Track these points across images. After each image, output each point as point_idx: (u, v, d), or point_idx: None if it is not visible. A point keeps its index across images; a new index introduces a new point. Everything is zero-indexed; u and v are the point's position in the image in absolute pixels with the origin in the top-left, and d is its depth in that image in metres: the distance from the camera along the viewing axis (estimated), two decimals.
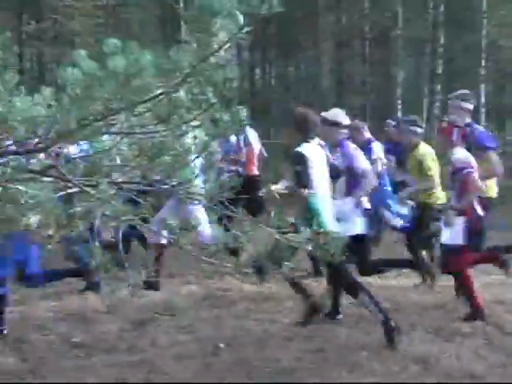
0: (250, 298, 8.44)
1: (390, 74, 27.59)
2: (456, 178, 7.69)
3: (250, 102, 29.69)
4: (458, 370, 5.97)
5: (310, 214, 6.54)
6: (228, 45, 2.63)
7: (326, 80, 29.83)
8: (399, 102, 25.70)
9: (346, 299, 8.29)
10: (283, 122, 25.50)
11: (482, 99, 25.19)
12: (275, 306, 8.11)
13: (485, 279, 9.49)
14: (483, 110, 25.04)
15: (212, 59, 2.65)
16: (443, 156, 8.27)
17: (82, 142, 3.56)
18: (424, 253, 9.45)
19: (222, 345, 6.66)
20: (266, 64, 33.72)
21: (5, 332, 7.05)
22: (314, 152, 6.98)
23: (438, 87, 25.32)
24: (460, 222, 7.65)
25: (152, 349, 6.60)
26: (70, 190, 3.07)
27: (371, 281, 9.26)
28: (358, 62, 29.09)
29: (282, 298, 8.40)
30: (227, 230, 3.24)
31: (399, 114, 25.17)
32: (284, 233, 3.13)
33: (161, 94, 2.71)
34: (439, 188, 9.07)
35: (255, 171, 10.98)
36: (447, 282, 9.36)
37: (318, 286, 8.58)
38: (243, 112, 2.99)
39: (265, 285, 8.98)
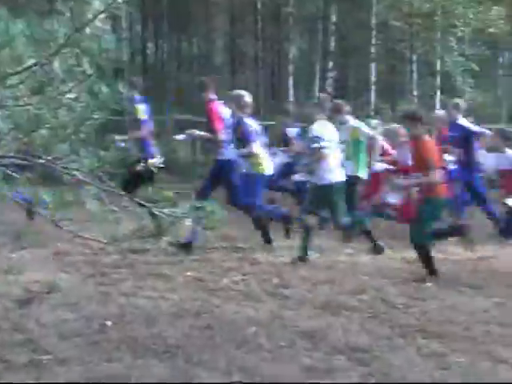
0: (139, 275, 8.34)
1: (283, 51, 27.69)
2: None
3: (142, 76, 29.34)
4: (345, 343, 6.04)
5: None
6: (103, 15, 2.53)
7: (220, 56, 29.76)
8: (291, 78, 25.82)
9: (234, 276, 8.34)
10: (177, 97, 25.33)
11: (373, 77, 25.58)
12: (164, 283, 8.04)
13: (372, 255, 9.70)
14: (373, 88, 25.44)
15: (88, 30, 2.55)
16: None
17: None
18: None
19: (109, 322, 6.55)
20: (159, 39, 33.34)
21: None
22: None
23: (330, 64, 25.54)
24: None
25: (37, 328, 6.44)
26: None
27: (259, 256, 9.34)
28: (251, 38, 29.08)
29: (172, 275, 8.35)
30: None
31: (291, 90, 25.34)
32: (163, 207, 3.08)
33: (34, 64, 2.60)
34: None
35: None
36: (336, 257, 9.53)
37: None
38: (123, 84, 2.90)
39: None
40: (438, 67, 25.16)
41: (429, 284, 8.23)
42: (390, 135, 11.14)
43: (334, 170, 9.27)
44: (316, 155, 9.18)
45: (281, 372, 5.38)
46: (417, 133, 8.39)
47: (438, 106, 24.03)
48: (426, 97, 25.18)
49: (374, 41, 25.73)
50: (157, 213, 3.04)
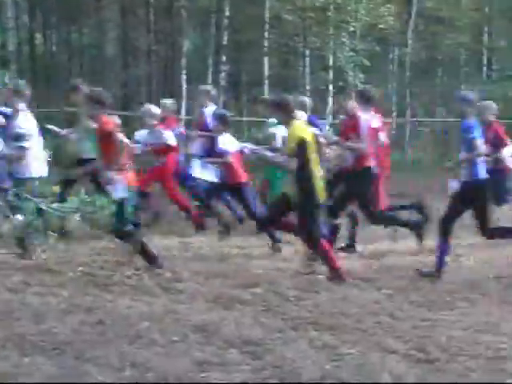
0: (27, 271, 8.10)
1: (176, 45, 27.49)
2: None
3: (30, 68, 28.67)
4: (238, 337, 6.02)
5: None
6: None
7: (112, 48, 29.34)
8: (184, 72, 25.65)
9: (127, 271, 8.21)
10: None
11: (266, 72, 25.69)
12: (54, 279, 7.83)
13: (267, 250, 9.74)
14: (266, 82, 25.55)
15: None
16: None
17: None
18: None
19: None
20: (48, 29, 32.55)
21: None
22: None
23: (224, 58, 25.52)
24: None
25: None
26: None
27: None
28: (143, 30, 28.77)
29: (62, 271, 8.15)
30: None
31: (184, 84, 25.17)
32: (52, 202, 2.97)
33: None
34: None
35: None
36: (229, 250, 9.51)
37: None
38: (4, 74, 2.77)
39: (41, 256, 8.66)
40: (331, 62, 25.47)
41: (321, 277, 8.30)
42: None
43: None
44: None
45: (173, 366, 5.31)
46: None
47: (330, 100, 24.35)
48: (318, 91, 25.43)
49: (267, 35, 25.84)
50: (44, 208, 2.93)
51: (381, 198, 9.97)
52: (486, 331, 6.38)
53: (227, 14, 25.52)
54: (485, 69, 30.37)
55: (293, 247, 9.69)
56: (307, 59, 25.72)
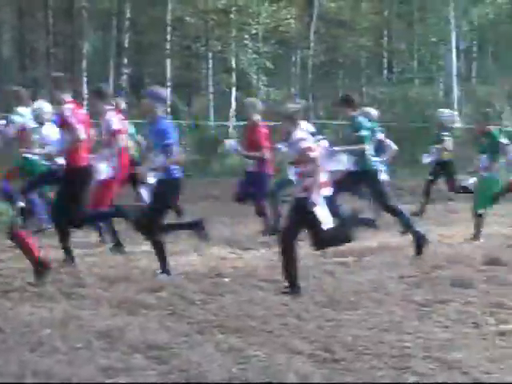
0: None
1: (76, 47, 27.05)
2: None
3: None
4: (143, 342, 5.92)
5: None
6: None
7: (8, 49, 28.68)
8: (85, 74, 25.27)
9: (28, 277, 8.01)
10: None
11: (168, 74, 25.54)
12: None
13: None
14: (169, 84, 25.40)
15: None
16: None
17: None
18: None
19: None
20: None
21: None
22: None
23: (125, 60, 25.25)
24: None
25: None
26: None
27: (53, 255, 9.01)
28: (42, 32, 28.19)
29: None
30: None
31: (85, 87, 24.79)
32: None
33: None
34: None
35: None
36: (133, 254, 9.38)
37: None
38: None
39: None
40: (234, 64, 25.51)
41: (226, 279, 8.27)
42: None
43: None
44: None
45: (77, 374, 5.17)
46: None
47: (233, 102, 24.38)
48: (221, 93, 25.45)
49: (169, 37, 25.70)
50: None
51: (103, 199, 9.53)
52: (391, 330, 6.45)
53: (128, 15, 25.27)
54: (385, 71, 30.96)
55: (198, 251, 9.67)
56: (210, 61, 25.70)
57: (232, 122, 23.37)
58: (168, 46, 25.69)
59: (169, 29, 25.58)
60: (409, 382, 5.30)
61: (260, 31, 25.32)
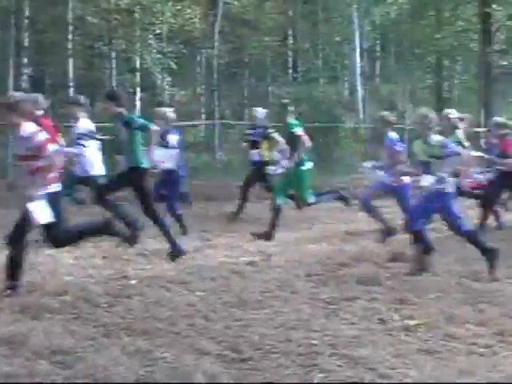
0: None
1: None
2: None
3: None
4: (47, 346, 5.79)
5: None
6: None
7: None
8: None
9: None
10: None
11: (71, 74, 25.13)
12: None
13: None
14: (72, 84, 25.00)
15: None
16: None
17: None
18: None
19: None
20: None
21: None
22: None
23: (25, 60, 24.70)
24: None
25: None
26: None
27: None
28: None
29: None
30: None
31: None
32: None
33: None
34: None
35: None
36: (35, 258, 9.16)
37: None
38: None
39: None
40: (138, 64, 25.28)
41: (133, 282, 8.18)
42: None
43: None
44: None
45: None
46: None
47: (138, 103, 24.15)
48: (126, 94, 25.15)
49: (71, 36, 25.26)
50: None
51: None
52: (298, 328, 6.48)
53: (27, 14, 24.69)
54: (290, 70, 31.20)
55: (103, 254, 9.54)
56: (113, 61, 25.40)
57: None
58: (70, 46, 25.23)
59: (70, 28, 25.13)
60: (316, 379, 5.33)
61: (164, 31, 25.16)
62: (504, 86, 29.70)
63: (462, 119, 11.82)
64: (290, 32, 31.64)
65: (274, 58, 31.14)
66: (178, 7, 25.25)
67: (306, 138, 11.02)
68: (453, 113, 11.45)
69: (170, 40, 25.64)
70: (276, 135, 12.31)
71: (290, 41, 31.69)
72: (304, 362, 5.63)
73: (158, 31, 25.08)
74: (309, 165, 11.16)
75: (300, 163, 11.07)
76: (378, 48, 32.12)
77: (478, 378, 5.32)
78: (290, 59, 31.49)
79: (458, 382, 5.28)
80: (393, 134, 10.95)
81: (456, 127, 11.05)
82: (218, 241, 10.85)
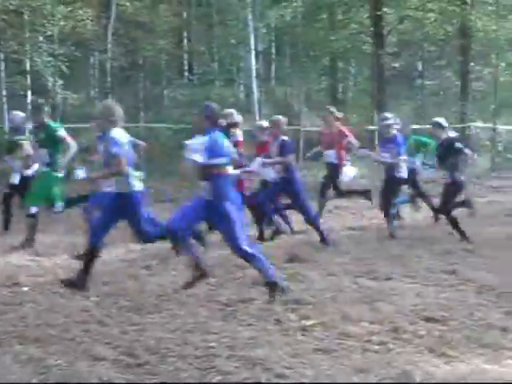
0: None
1: None
2: None
3: None
4: None
5: None
6: None
7: None
8: None
9: None
10: None
11: None
12: None
13: None
14: None
15: None
16: None
17: None
18: None
19: None
20: None
21: None
22: None
23: None
24: None
25: None
26: None
27: None
28: None
29: None
30: None
31: None
32: None
33: None
34: None
35: None
36: None
37: None
38: None
39: None
40: (28, 66, 24.72)
41: (25, 288, 7.99)
42: None
43: None
44: None
45: None
46: None
47: (29, 106, 23.59)
48: (16, 97, 24.56)
49: None
50: None
51: None
52: (195, 331, 6.45)
53: None
54: (186, 73, 31.09)
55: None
56: (2, 63, 24.73)
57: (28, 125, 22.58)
58: None
59: None
60: (213, 381, 5.31)
61: (55, 33, 24.64)
62: (396, 88, 30.34)
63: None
64: (185, 34, 31.54)
65: (169, 61, 30.95)
66: (70, 9, 24.79)
67: (70, 140, 10.48)
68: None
69: (62, 42, 25.12)
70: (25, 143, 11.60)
71: (185, 43, 31.58)
72: (201, 365, 5.61)
73: (48, 33, 24.55)
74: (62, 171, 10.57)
75: (54, 167, 10.48)
76: (273, 50, 32.33)
77: (374, 374, 5.39)
78: (186, 62, 31.39)
79: (353, 379, 5.34)
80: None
81: None
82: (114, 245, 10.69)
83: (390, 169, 11.41)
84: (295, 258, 9.41)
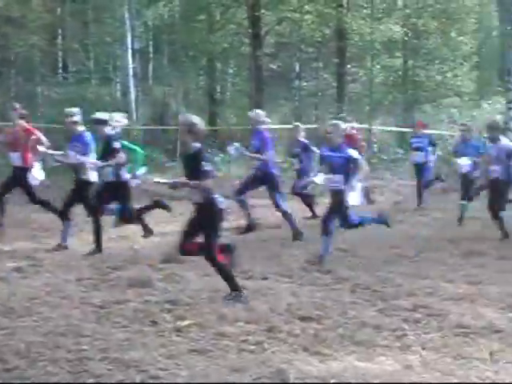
0: None
1: None
2: None
3: None
4: None
5: None
6: None
7: None
8: None
9: None
10: None
11: None
12: None
13: None
14: None
15: None
16: None
17: None
18: None
19: None
20: None
21: None
22: None
23: None
24: None
25: None
26: None
27: None
28: None
29: None
30: None
31: None
32: None
33: None
34: None
35: None
36: None
37: None
38: None
39: None
40: None
41: None
42: None
43: None
44: None
45: None
46: None
47: None
48: None
49: None
50: None
51: None
52: (67, 334, 6.30)
53: None
54: (60, 71, 30.41)
55: None
56: None
57: None
58: None
59: None
60: None
61: None
62: (274, 89, 30.58)
63: None
64: (59, 31, 30.83)
65: (43, 58, 30.19)
66: None
67: None
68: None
69: None
70: None
71: (60, 40, 30.87)
72: (73, 369, 5.49)
73: None
74: None
75: None
76: (150, 49, 32.03)
77: (249, 374, 5.39)
78: (60, 59, 30.70)
79: (228, 379, 5.32)
80: None
81: None
82: None
83: (78, 171, 10.49)
84: (172, 258, 9.33)
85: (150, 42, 31.89)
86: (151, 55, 32.02)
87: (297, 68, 30.23)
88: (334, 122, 10.72)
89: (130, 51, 26.28)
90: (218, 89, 31.26)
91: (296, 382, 5.27)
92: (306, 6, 27.93)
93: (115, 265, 9.15)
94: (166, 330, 6.48)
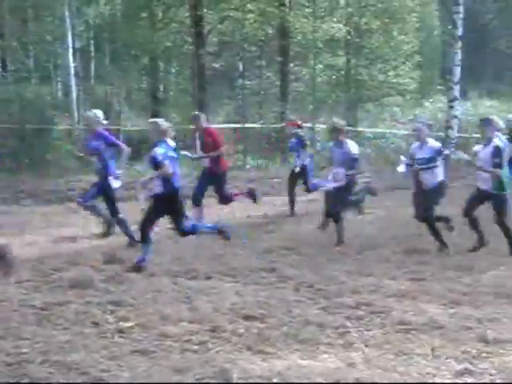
0: None
1: None
2: None
3: None
4: None
5: None
6: None
7: None
8: None
9: None
10: None
11: None
12: None
13: None
14: None
15: None
16: None
17: None
18: None
19: None
20: None
21: None
22: None
23: None
24: None
25: None
26: None
27: None
28: None
29: None
30: None
31: None
32: None
33: None
34: None
35: None
36: None
37: None
38: None
39: None
40: None
41: None
42: None
43: None
44: None
45: None
46: None
47: None
48: None
49: None
50: None
51: None
52: (6, 337, 6.22)
53: None
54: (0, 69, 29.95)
55: None
56: None
57: None
58: None
59: None
60: None
61: None
62: (218, 88, 30.56)
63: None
64: None
65: None
66: None
67: None
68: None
69: None
70: None
71: None
72: (12, 372, 5.42)
73: None
74: None
75: None
76: (92, 48, 31.73)
77: (192, 374, 5.35)
78: None
79: (171, 379, 5.28)
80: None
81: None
82: None
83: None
84: (115, 259, 9.24)
85: (92, 41, 31.60)
86: (92, 54, 31.74)
87: (240, 67, 30.22)
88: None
89: (70, 50, 25.99)
90: (161, 88, 31.10)
91: (239, 381, 5.25)
92: (249, 5, 27.87)
93: (56, 266, 9.02)
94: (109, 332, 6.42)
